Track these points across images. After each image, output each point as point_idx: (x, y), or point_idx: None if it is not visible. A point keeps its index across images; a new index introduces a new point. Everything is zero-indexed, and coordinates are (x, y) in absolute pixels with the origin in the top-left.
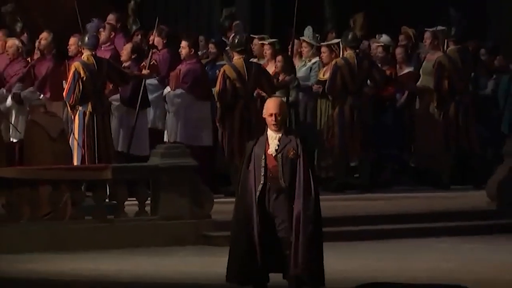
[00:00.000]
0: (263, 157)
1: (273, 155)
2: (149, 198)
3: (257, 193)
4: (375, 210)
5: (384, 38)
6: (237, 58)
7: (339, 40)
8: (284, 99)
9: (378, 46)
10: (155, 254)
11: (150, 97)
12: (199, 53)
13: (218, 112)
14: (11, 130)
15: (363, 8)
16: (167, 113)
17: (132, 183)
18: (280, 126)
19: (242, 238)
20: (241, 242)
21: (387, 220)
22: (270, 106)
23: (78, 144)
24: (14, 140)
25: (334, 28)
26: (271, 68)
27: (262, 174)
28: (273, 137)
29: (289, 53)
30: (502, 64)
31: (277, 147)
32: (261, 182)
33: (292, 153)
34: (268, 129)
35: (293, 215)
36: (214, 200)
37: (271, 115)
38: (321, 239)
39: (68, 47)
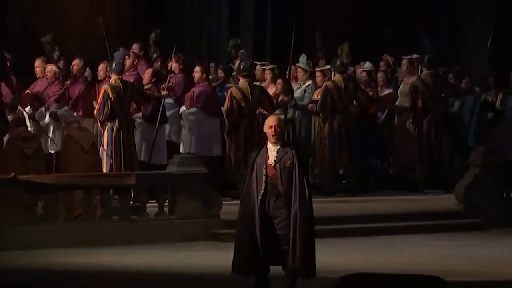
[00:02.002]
0: (264, 166)
1: (273, 164)
2: (167, 201)
3: (259, 197)
4: (359, 211)
5: (367, 64)
6: (242, 82)
7: (329, 66)
8: (283, 116)
9: (363, 71)
10: (172, 249)
11: (168, 114)
12: (210, 77)
13: (226, 127)
14: (49, 143)
15: (348, 38)
16: (183, 128)
17: (152, 188)
18: (278, 138)
19: (246, 235)
20: (245, 239)
21: (370, 219)
22: (270, 120)
23: (107, 154)
24: (52, 151)
25: (324, 55)
26: (271, 90)
27: (263, 181)
28: (272, 149)
29: (287, 77)
30: (468, 86)
31: (276, 158)
32: (263, 188)
33: (288, 162)
34: (268, 142)
35: (291, 215)
36: (222, 202)
37: (271, 127)
38: (313, 237)
39: (97, 72)
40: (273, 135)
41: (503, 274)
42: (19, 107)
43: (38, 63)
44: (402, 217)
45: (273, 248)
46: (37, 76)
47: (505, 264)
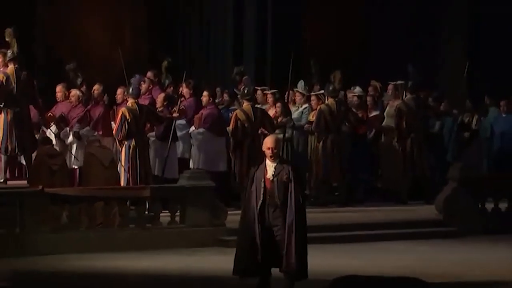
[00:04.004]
0: (263, 180)
1: (271, 179)
2: (178, 211)
3: (258, 207)
4: (350, 220)
5: (357, 89)
6: (246, 104)
7: (323, 91)
8: (281, 135)
9: (354, 95)
10: (183, 254)
11: (179, 134)
12: (217, 100)
13: (231, 145)
14: (73, 159)
15: (340, 66)
16: (192, 146)
17: (165, 199)
18: (275, 157)
19: (246, 242)
20: (245, 245)
21: (359, 227)
22: (268, 142)
23: (124, 170)
24: (75, 167)
25: (318, 81)
26: (272, 112)
27: (261, 193)
28: (270, 165)
29: (286, 100)
30: (446, 109)
31: (273, 173)
32: (261, 199)
33: (285, 177)
34: (266, 159)
35: (286, 223)
36: (228, 212)
37: (268, 148)
38: (306, 243)
39: (116, 95)
40: (270, 156)
41: (479, 276)
42: (42, 127)
43: (59, 88)
44: (388, 226)
45: (272, 252)
46: (58, 100)
47: (480, 267)
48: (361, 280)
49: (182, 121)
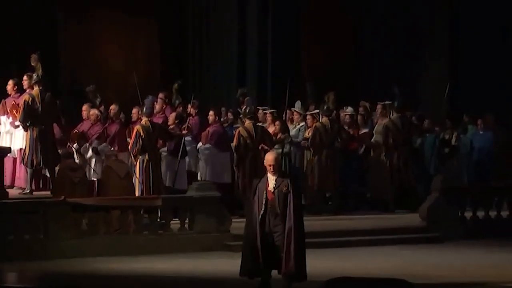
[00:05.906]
0: (265, 191)
1: (272, 190)
2: (187, 219)
3: (260, 216)
4: (342, 227)
5: (349, 109)
6: (248, 123)
7: (318, 110)
8: (280, 150)
9: (346, 114)
10: (192, 257)
11: (188, 149)
12: (222, 119)
13: (235, 160)
14: (92, 172)
15: (333, 88)
16: (199, 160)
17: (176, 208)
18: (276, 172)
19: (249, 246)
20: (249, 249)
21: (351, 234)
22: (269, 159)
23: (139, 181)
24: (94, 179)
25: (313, 102)
26: (271, 129)
27: (263, 203)
28: (271, 178)
29: (284, 119)
30: (429, 126)
31: (274, 185)
32: (263, 209)
33: (285, 189)
34: (268, 172)
35: (285, 230)
36: (232, 220)
37: (270, 165)
38: (305, 248)
39: (131, 114)
40: (271, 171)
41: (459, 277)
42: (69, 143)
43: (85, 107)
44: (377, 232)
45: (273, 256)
46: (83, 118)
47: (459, 269)
48: (352, 281)
49: (189, 138)
